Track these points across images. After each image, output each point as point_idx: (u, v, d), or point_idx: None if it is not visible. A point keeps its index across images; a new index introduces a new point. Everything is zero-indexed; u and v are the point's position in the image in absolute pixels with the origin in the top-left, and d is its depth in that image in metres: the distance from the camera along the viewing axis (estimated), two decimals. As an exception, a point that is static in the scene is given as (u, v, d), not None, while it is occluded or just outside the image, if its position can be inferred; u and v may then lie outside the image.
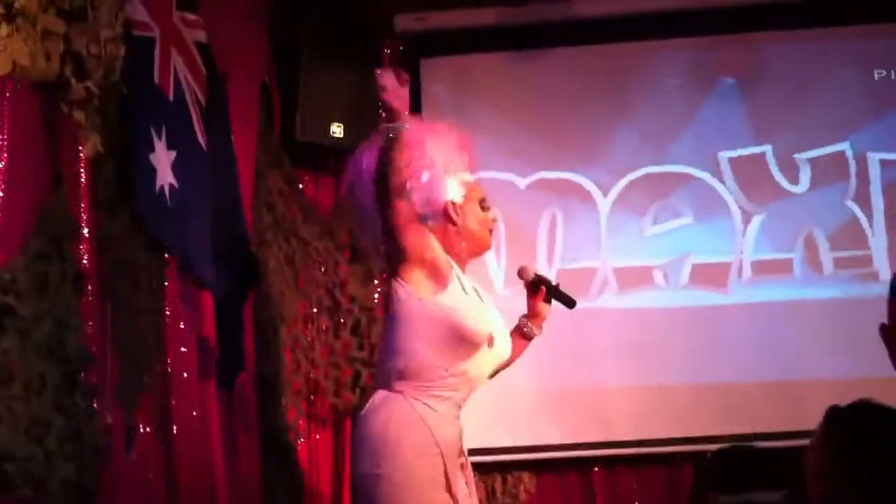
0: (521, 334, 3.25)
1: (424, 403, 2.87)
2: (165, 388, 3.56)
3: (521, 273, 3.29)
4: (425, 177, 2.94)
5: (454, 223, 3.03)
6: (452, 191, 3.03)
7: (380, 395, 2.93)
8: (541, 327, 3.28)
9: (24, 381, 2.75)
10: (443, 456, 2.86)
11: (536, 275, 3.29)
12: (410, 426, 2.84)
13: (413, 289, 2.87)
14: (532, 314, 3.28)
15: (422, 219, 2.96)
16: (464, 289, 2.98)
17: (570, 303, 3.34)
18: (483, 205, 3.13)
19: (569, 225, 5.09)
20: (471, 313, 2.92)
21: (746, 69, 5.15)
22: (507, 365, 3.19)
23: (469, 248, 3.08)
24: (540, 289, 3.26)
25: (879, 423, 1.84)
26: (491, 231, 3.16)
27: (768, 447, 2.45)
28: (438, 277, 2.88)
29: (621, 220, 5.10)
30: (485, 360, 2.97)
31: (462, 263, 3.07)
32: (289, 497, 4.28)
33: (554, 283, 3.31)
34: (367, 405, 2.96)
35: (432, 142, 2.98)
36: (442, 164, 2.99)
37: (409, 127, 2.89)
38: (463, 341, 2.88)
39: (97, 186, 3.15)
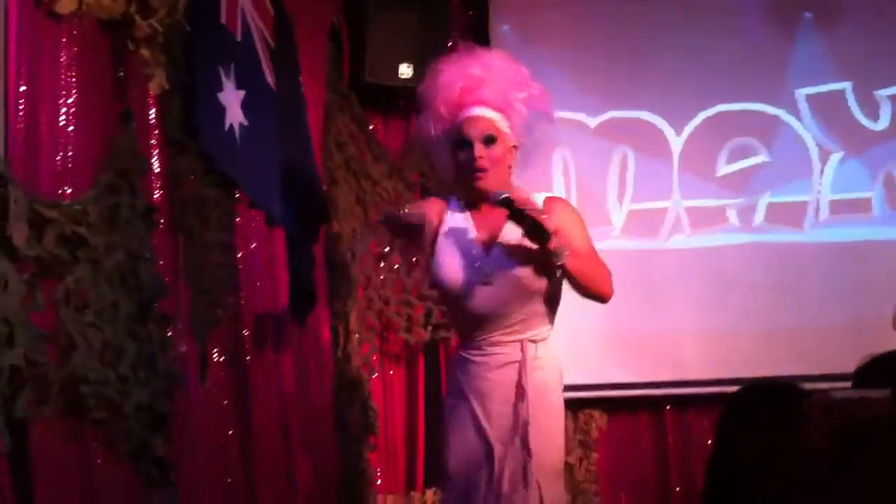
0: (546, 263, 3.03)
1: (464, 354, 3.11)
2: (239, 321, 3.68)
3: (492, 197, 3.03)
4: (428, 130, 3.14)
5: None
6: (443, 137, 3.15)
7: None
8: (557, 252, 2.94)
9: (97, 309, 2.87)
10: (471, 398, 3.07)
11: (501, 199, 2.97)
12: (452, 378, 3.17)
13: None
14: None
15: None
16: (450, 237, 3.10)
17: (537, 234, 2.90)
18: (461, 144, 3.10)
19: (640, 164, 5.05)
20: (446, 265, 3.06)
21: (826, 3, 5.04)
22: (588, 290, 3.06)
23: (460, 189, 3.17)
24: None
25: None
26: (475, 169, 3.06)
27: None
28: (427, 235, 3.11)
29: (694, 158, 5.05)
30: (484, 297, 3.04)
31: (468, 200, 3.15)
32: (361, 430, 4.38)
33: (517, 208, 2.94)
34: None
35: (429, 94, 3.15)
36: (434, 109, 3.13)
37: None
38: (444, 293, 3.10)
39: (165, 123, 3.25)
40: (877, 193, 5.01)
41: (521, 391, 3.01)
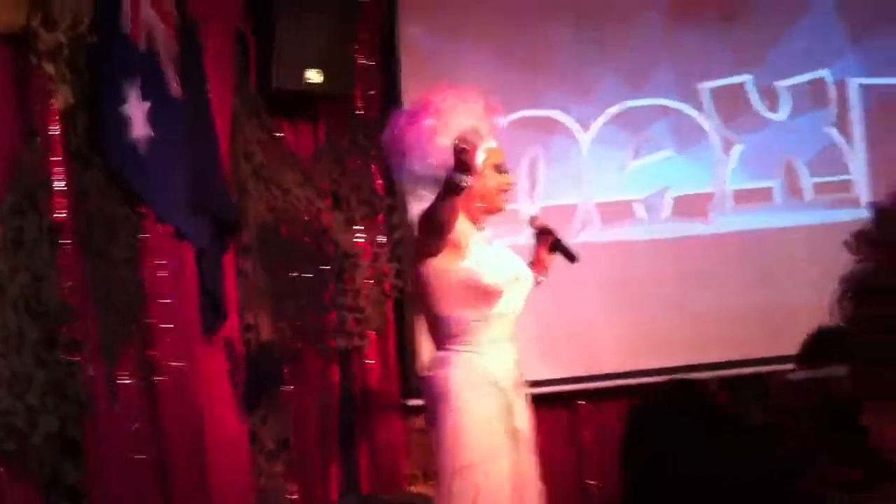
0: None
1: (475, 352, 3.24)
2: (148, 340, 3.57)
3: (531, 221, 3.66)
4: (445, 142, 3.19)
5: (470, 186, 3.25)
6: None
7: (437, 356, 3.31)
8: (544, 273, 3.59)
9: (2, 337, 2.75)
10: (502, 391, 3.23)
11: (544, 226, 3.64)
12: (468, 374, 3.21)
13: (441, 262, 3.23)
14: (536, 261, 3.59)
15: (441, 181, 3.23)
16: (482, 246, 3.31)
17: (571, 258, 3.60)
18: (500, 169, 3.41)
19: (550, 162, 5.04)
20: (489, 268, 3.26)
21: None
22: None
23: (483, 208, 3.37)
24: (545, 239, 3.61)
25: None
26: (506, 192, 3.43)
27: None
28: (457, 247, 3.22)
29: (602, 155, 5.06)
30: (515, 295, 3.33)
31: (477, 220, 3.37)
32: (276, 444, 4.29)
33: (558, 237, 3.62)
34: (429, 367, 3.35)
35: (456, 110, 3.26)
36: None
37: (434, 96, 3.28)
38: (487, 294, 3.23)
39: (70, 139, 3.13)
40: (778, 182, 5.12)
41: (520, 385, 3.32)
